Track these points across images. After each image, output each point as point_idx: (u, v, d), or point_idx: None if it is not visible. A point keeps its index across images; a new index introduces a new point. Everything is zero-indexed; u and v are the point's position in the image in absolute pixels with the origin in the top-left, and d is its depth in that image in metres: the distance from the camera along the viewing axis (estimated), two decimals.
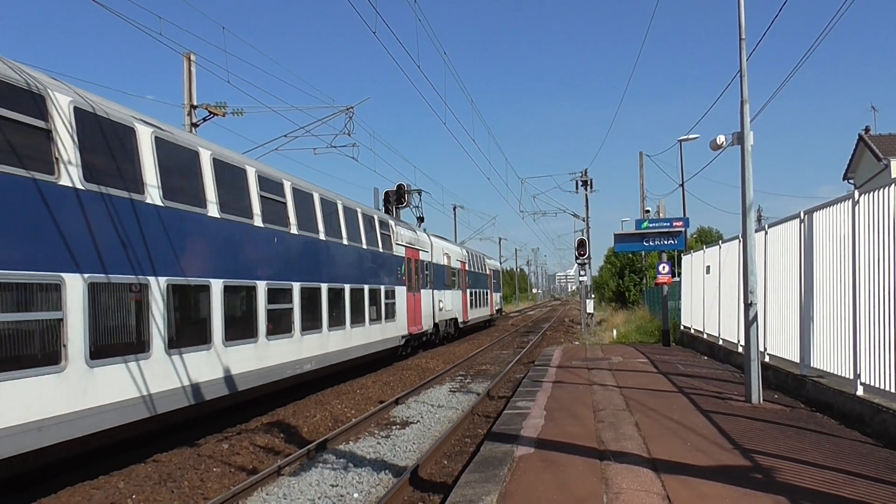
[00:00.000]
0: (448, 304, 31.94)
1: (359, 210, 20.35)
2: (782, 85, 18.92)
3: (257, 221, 13.60)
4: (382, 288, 21.77)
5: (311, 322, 15.94)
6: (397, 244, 23.78)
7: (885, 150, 33.66)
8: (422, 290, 26.93)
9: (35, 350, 8.24)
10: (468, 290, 37.56)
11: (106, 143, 9.83)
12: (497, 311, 51.46)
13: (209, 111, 21.36)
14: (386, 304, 22.07)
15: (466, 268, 37.50)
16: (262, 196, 13.89)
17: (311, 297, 16.03)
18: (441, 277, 30.82)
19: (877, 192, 8.77)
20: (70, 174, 8.90)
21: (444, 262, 31.77)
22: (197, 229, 11.76)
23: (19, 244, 8.08)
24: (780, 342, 12.97)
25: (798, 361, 11.79)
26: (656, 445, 8.39)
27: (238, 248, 12.99)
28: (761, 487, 6.51)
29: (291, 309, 15.01)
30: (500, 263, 47.82)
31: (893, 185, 8.41)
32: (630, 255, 49.10)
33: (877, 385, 8.76)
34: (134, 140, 10.34)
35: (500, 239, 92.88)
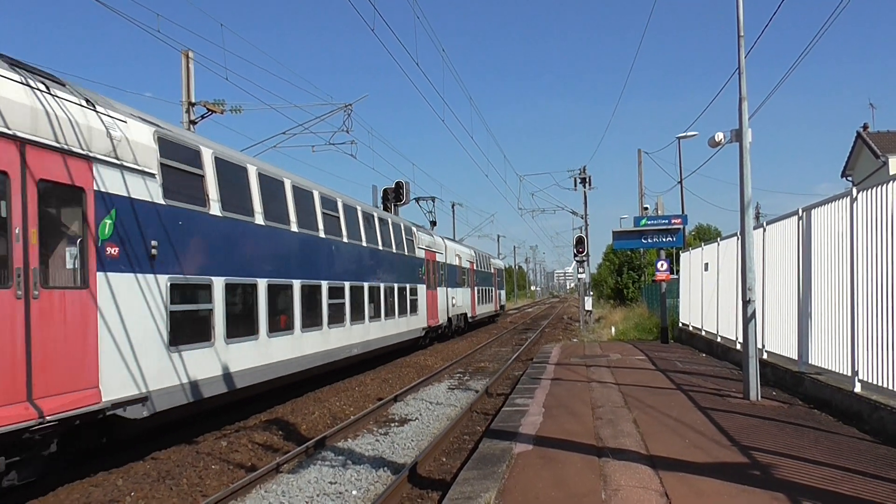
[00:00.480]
0: (459, 300, 34.74)
1: (389, 220, 23.46)
2: (780, 82, 18.94)
3: (322, 234, 16.92)
4: (408, 286, 24.75)
5: (357, 315, 19.03)
6: (419, 248, 26.74)
7: (883, 147, 33.67)
8: (438, 288, 29.72)
9: (195, 332, 11.35)
10: (475, 288, 40.13)
11: (230, 180, 12.59)
12: (500, 307, 54.50)
13: (207, 108, 21.33)
14: (411, 301, 25.03)
15: (474, 267, 40.05)
16: (324, 212, 17.09)
17: (355, 295, 19.00)
18: (453, 276, 33.60)
19: (875, 189, 8.78)
20: (212, 206, 11.81)
21: (456, 262, 34.53)
22: (286, 241, 15.02)
23: (193, 256, 11.23)
24: (778, 339, 12.99)
25: (796, 358, 11.81)
26: (654, 442, 8.40)
27: (313, 256, 16.41)
28: (759, 484, 6.52)
29: (343, 303, 18.02)
30: (491, 258, 49.61)
31: (892, 182, 8.41)
32: (629, 253, 49.14)
33: (874, 382, 8.77)
34: (246, 176, 13.32)
35: (498, 236, 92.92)
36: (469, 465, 7.80)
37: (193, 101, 20.99)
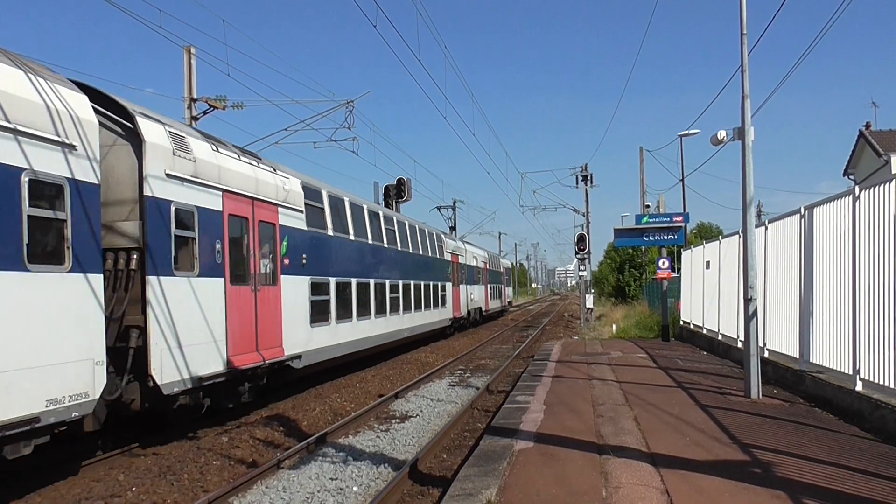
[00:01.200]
0: (476, 296, 40.13)
1: (426, 230, 29.12)
2: (783, 80, 18.86)
3: (387, 244, 22.39)
4: (440, 284, 30.39)
5: (407, 306, 24.46)
6: (447, 252, 32.37)
7: (885, 145, 33.65)
8: (460, 286, 35.11)
9: (321, 314, 16.41)
10: (488, 285, 45.58)
11: (335, 209, 17.91)
12: (508, 302, 61.26)
13: (209, 104, 21.33)
14: (441, 296, 30.53)
15: (487, 267, 45.42)
16: (387, 228, 22.65)
17: (406, 291, 24.40)
18: (472, 276, 38.94)
19: (877, 187, 8.77)
20: (329, 229, 17.22)
21: (473, 263, 39.93)
22: (365, 251, 20.25)
23: (320, 264, 16.50)
24: (779, 337, 12.99)
25: (797, 357, 11.81)
26: (655, 440, 8.40)
27: (380, 261, 21.60)
28: (760, 482, 6.52)
29: (399, 297, 23.38)
30: (500, 259, 53.10)
31: (894, 180, 8.41)
32: (630, 250, 49.06)
33: (876, 381, 8.77)
34: (343, 205, 18.63)
35: (499, 234, 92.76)
36: (470, 462, 7.80)
37: (195, 96, 20.98)
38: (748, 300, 11.22)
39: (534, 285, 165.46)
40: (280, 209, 14.21)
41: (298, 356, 14.75)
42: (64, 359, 8.11)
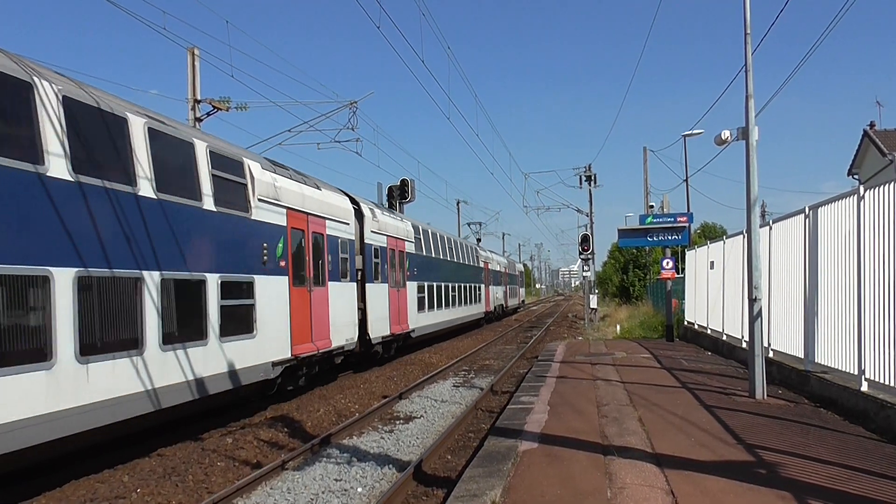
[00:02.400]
0: (500, 295, 50.21)
1: (467, 244, 39.77)
2: (787, 80, 18.86)
3: (451, 258, 32.32)
4: (478, 286, 39.91)
5: (460, 301, 33.92)
6: (480, 260, 41.60)
7: (890, 145, 33.51)
8: (489, 287, 44.74)
9: (423, 306, 26.18)
10: (507, 286, 54.86)
11: (427, 238, 27.35)
12: (521, 301, 72.56)
13: (213, 106, 21.36)
14: (478, 294, 39.82)
15: (507, 271, 55.06)
16: (450, 247, 32.51)
17: (460, 291, 33.98)
18: (496, 278, 48.83)
19: (882, 187, 8.74)
20: (424, 251, 25.66)
21: (497, 268, 49.52)
22: (435, 261, 29.26)
23: (422, 273, 26.17)
24: (784, 338, 12.96)
25: (802, 357, 11.78)
26: (660, 440, 8.39)
27: (448, 269, 31.34)
28: (765, 483, 6.51)
29: (456, 295, 32.85)
30: (515, 263, 68.95)
31: None
32: (634, 251, 49.03)
33: (881, 381, 8.75)
34: (429, 234, 28.12)
35: (503, 234, 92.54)
36: (474, 463, 7.80)
37: (199, 98, 21.01)
38: (752, 300, 11.19)
39: (538, 286, 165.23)
40: (406, 242, 24.03)
41: (413, 330, 24.30)
42: (349, 321, 17.94)
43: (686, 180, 34.75)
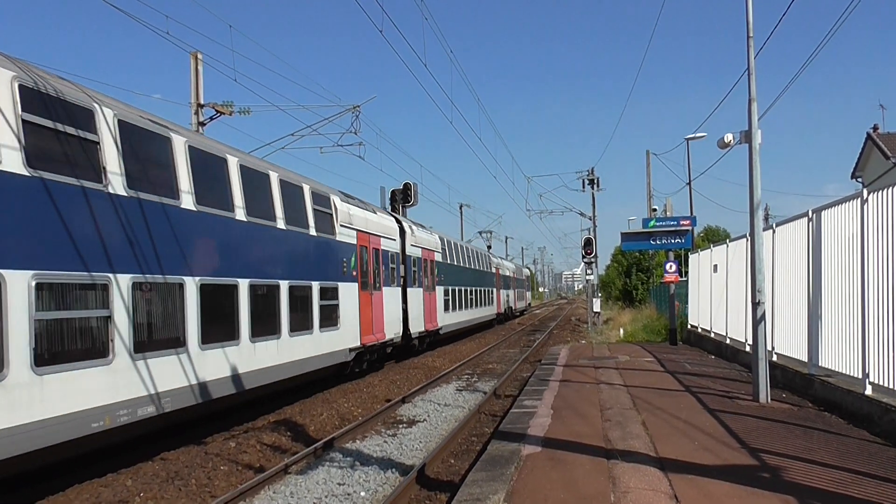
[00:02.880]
0: (509, 297, 55.73)
1: (482, 252, 43.74)
2: (790, 83, 18.87)
3: (470, 266, 36.59)
4: (491, 289, 44.36)
5: (477, 304, 38.18)
6: (493, 266, 46.17)
7: (893, 148, 33.47)
8: (501, 290, 49.77)
9: (448, 307, 30.79)
10: (515, 290, 60.55)
11: (452, 249, 32.58)
12: (528, 303, 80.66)
13: (216, 110, 21.41)
14: (491, 297, 44.15)
15: (515, 276, 60.74)
16: (471, 256, 37.59)
17: (477, 294, 38.25)
18: (506, 283, 54.48)
19: (885, 190, 8.72)
20: (448, 259, 30.87)
21: (507, 273, 55.14)
22: (462, 271, 34.60)
23: (447, 278, 30.73)
24: (788, 341, 12.92)
25: (806, 360, 11.75)
26: (664, 444, 8.37)
27: (470, 276, 36.43)
28: (769, 487, 6.49)
29: (473, 298, 36.91)
30: (522, 268, 75.42)
31: None
32: (637, 254, 48.97)
33: (886, 384, 8.72)
34: (453, 245, 33.15)
35: (506, 238, 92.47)
36: (478, 467, 7.79)
37: (202, 102, 21.06)
38: (756, 304, 11.17)
39: (540, 289, 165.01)
40: (435, 252, 28.27)
41: (441, 327, 28.72)
42: (396, 318, 22.02)
43: (689, 183, 34.71)
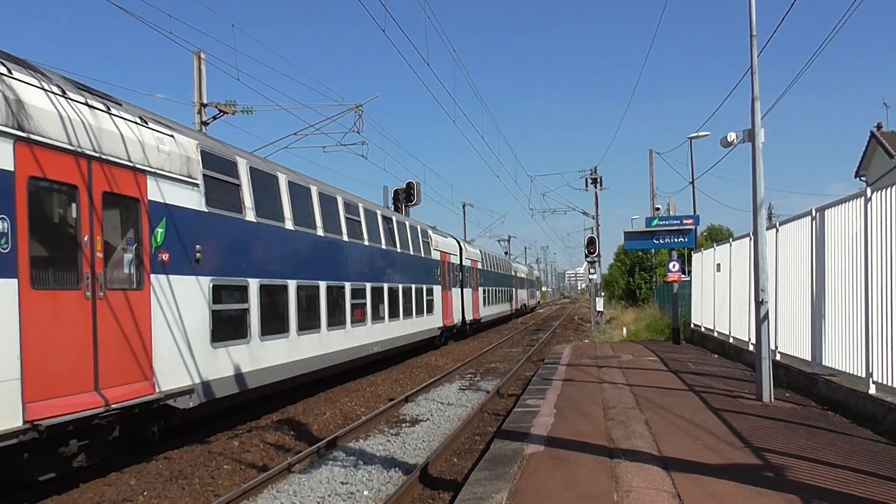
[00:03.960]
0: (524, 296, 64.77)
1: (503, 257, 54.90)
2: (794, 81, 18.86)
3: (501, 271, 49.02)
4: (511, 289, 53.85)
5: (505, 300, 49.71)
6: (512, 269, 55.29)
7: None
8: (518, 290, 58.94)
9: (485, 302, 41.13)
10: (528, 289, 70.45)
11: (487, 257, 43.23)
12: (537, 301, 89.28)
13: (219, 109, 21.42)
14: (510, 295, 53.47)
15: (528, 277, 71.59)
16: (493, 261, 45.84)
17: (504, 293, 49.32)
18: (521, 283, 62.94)
19: (890, 189, 8.71)
20: (480, 264, 39.56)
21: (522, 275, 64.00)
22: (494, 275, 45.18)
23: (486, 281, 41.69)
24: (791, 340, 12.91)
25: (809, 360, 11.73)
26: (667, 444, 8.36)
27: (500, 280, 48.22)
28: (773, 486, 6.48)
29: (499, 297, 46.77)
30: (533, 270, 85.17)
31: None
32: (640, 253, 48.92)
33: (889, 384, 8.71)
34: (486, 253, 43.41)
35: (509, 237, 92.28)
36: (481, 466, 7.79)
37: (205, 102, 21.08)
38: (759, 303, 11.16)
39: (543, 289, 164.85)
40: (477, 262, 37.37)
41: (481, 318, 37.85)
42: (458, 309, 32.50)
43: (692, 182, 34.67)
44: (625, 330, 31.73)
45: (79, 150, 8.50)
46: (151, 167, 9.92)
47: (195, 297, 10.83)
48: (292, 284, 14.41)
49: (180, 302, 10.33)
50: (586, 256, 35.32)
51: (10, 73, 7.94)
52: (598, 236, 36.39)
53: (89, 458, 8.78)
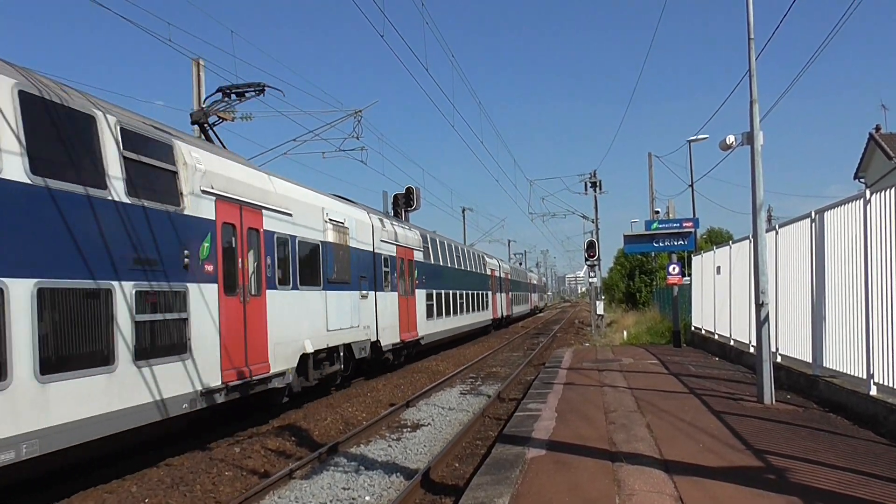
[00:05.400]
0: (535, 298, 79.29)
1: (526, 270, 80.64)
2: (791, 84, 18.88)
3: (524, 279, 67.84)
4: (528, 293, 68.13)
5: (521, 302, 61.61)
6: (528, 280, 70.42)
7: (895, 148, 33.42)
8: (531, 293, 71.44)
9: (515, 302, 56.47)
10: (539, 293, 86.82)
11: (517, 273, 62.12)
12: (545, 303, 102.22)
13: (218, 116, 21.41)
14: (529, 298, 68.30)
15: (538, 283, 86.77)
16: (523, 273, 70.01)
17: (521, 297, 61.95)
18: (534, 288, 76.61)
19: (888, 190, 8.72)
20: (510, 275, 54.53)
21: (534, 281, 79.17)
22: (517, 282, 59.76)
23: (516, 289, 59.10)
24: (791, 342, 12.91)
25: (810, 361, 11.73)
26: (668, 447, 8.36)
27: (523, 287, 65.25)
28: (774, 488, 6.48)
29: (521, 299, 61.99)
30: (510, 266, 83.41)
31: None
32: (640, 256, 48.93)
33: (890, 385, 8.71)
34: (516, 270, 62.56)
35: (509, 241, 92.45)
36: (482, 471, 7.79)
37: (205, 108, 21.07)
38: (759, 305, 11.16)
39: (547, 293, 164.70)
40: (506, 271, 51.65)
41: (510, 315, 52.25)
42: (526, 304, 66.84)
43: (691, 185, 34.69)
44: (625, 333, 31.74)
45: (236, 198, 11.88)
46: (268, 205, 13.19)
47: (292, 301, 14.24)
48: None
49: (281, 306, 13.50)
50: (586, 260, 35.35)
51: (194, 149, 11.12)
52: (597, 240, 36.42)
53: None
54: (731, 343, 18.02)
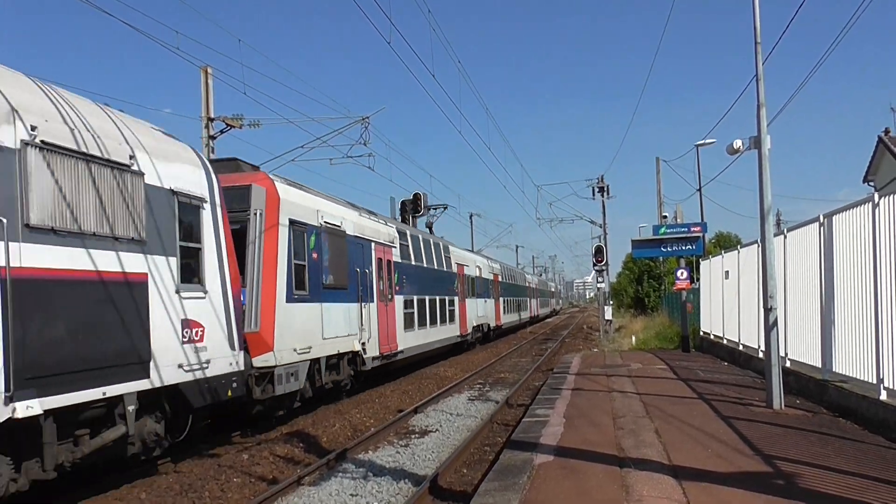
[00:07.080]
0: (553, 302, 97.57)
1: (532, 274, 78.97)
2: (799, 88, 18.84)
3: (547, 288, 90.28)
4: (548, 299, 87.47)
5: (543, 306, 76.78)
6: (548, 288, 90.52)
7: None
8: (550, 299, 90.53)
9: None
10: (554, 298, 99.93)
11: (511, 275, 53.58)
12: (553, 310, 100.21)
13: (226, 123, 21.55)
14: (548, 302, 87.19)
15: (553, 290, 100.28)
16: (546, 282, 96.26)
17: (543, 302, 78.70)
18: (552, 294, 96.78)
19: None
20: (537, 283, 73.60)
21: (551, 289, 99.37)
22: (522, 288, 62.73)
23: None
24: (801, 347, 12.85)
25: (820, 366, 11.67)
26: (677, 452, 8.33)
27: (544, 293, 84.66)
28: (784, 494, 6.45)
29: (544, 303, 79.52)
30: (548, 282, 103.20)
31: None
32: (648, 261, 48.80)
33: None
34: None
35: (517, 247, 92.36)
36: (490, 477, 7.78)
37: (213, 116, 21.22)
38: (768, 309, 11.12)
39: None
40: (535, 279, 71.25)
41: (538, 315, 69.72)
42: (545, 308, 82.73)
43: (699, 190, 34.66)
44: (634, 338, 31.64)
45: (370, 239, 18.47)
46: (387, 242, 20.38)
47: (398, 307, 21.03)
48: None
49: (389, 309, 19.94)
50: (594, 265, 35.30)
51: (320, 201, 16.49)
52: (605, 245, 36.36)
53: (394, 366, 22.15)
54: (740, 348, 17.95)
